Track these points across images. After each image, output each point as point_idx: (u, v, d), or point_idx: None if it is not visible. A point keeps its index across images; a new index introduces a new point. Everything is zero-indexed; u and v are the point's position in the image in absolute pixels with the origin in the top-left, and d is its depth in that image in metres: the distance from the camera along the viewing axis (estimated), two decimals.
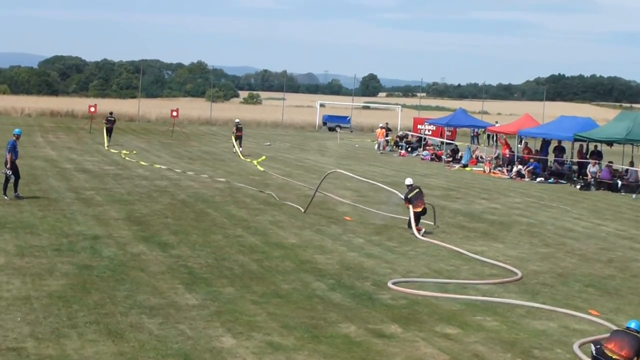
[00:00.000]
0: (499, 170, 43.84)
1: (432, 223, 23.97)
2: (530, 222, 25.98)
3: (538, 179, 40.29)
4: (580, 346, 12.79)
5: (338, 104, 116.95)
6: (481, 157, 49.30)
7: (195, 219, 22.87)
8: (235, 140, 47.42)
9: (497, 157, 46.46)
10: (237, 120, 50.27)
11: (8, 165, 24.22)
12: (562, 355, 12.61)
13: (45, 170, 32.70)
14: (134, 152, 43.82)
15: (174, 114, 61.41)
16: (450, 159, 49.55)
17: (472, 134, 66.20)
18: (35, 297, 13.94)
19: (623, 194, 36.14)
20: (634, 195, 35.01)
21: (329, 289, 15.80)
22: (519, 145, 47.01)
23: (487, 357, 12.31)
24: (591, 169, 38.91)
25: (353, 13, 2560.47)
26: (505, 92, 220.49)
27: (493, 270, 18.38)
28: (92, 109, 60.91)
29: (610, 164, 39.14)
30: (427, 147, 54.84)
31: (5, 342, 11.60)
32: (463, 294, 15.97)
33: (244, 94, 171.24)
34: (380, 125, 59.35)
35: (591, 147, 43.22)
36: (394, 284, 16.24)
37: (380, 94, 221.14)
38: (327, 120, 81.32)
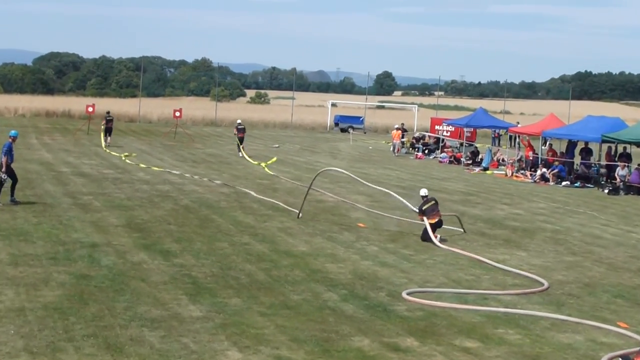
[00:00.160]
0: (521, 173, 43.77)
1: (463, 230, 24.17)
2: (555, 229, 25.92)
3: (563, 183, 40.21)
4: None
5: (351, 104, 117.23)
6: (503, 160, 49.21)
7: (200, 226, 22.90)
8: (241, 143, 47.67)
9: (519, 160, 46.38)
10: (238, 121, 50.49)
11: (3, 169, 24.32)
12: None
13: (40, 174, 32.81)
14: (134, 154, 43.93)
15: (177, 114, 61.60)
16: (470, 161, 49.50)
17: (493, 135, 66.21)
18: (30, 308, 13.97)
19: None
20: None
21: (341, 299, 15.79)
22: (543, 147, 46.90)
23: None
24: (620, 172, 38.82)
25: (364, 6, 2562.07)
26: (528, 91, 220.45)
27: (516, 280, 18.33)
28: (90, 109, 61.23)
29: None
30: (445, 149, 54.82)
31: None
32: (484, 306, 15.93)
33: (251, 92, 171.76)
34: (396, 126, 59.35)
35: (620, 148, 43.10)
36: (409, 294, 16.22)
37: (396, 93, 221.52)
38: (339, 120, 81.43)
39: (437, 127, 60.63)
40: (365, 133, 78.78)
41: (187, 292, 15.62)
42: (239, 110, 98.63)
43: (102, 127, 50.44)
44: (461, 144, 54.30)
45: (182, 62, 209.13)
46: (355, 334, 13.58)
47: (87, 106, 62.23)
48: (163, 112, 79.93)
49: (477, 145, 54.73)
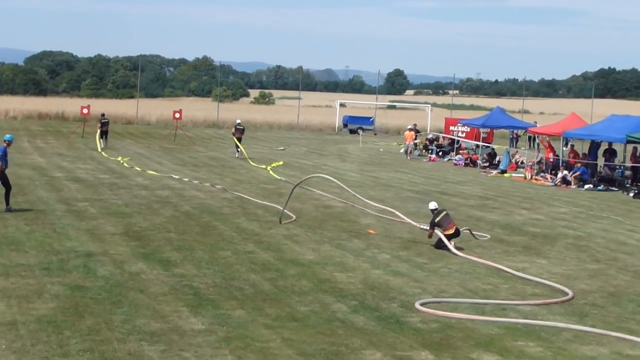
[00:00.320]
0: (541, 176, 43.73)
1: (488, 236, 24.28)
2: (577, 235, 25.88)
3: (586, 186, 40.15)
4: None
5: (360, 104, 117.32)
6: (521, 162, 49.22)
7: (201, 233, 22.92)
8: (239, 143, 47.97)
9: (539, 162, 46.37)
10: (238, 121, 50.70)
11: None
12: None
13: (32, 179, 32.88)
14: (128, 157, 43.99)
15: (177, 115, 61.63)
16: (487, 164, 49.47)
17: (511, 136, 66.15)
18: (22, 322, 13.98)
19: None
20: None
21: (351, 311, 15.78)
22: (565, 148, 46.87)
23: None
24: None
25: (374, 0, 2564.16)
26: (548, 89, 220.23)
27: (536, 290, 18.29)
28: (85, 111, 61.34)
29: None
30: (460, 151, 54.79)
31: None
32: (502, 317, 15.91)
33: (254, 92, 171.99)
34: (409, 127, 59.38)
35: None
36: (423, 305, 16.19)
37: (408, 92, 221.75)
38: (348, 121, 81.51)
39: (451, 127, 60.64)
40: (375, 134, 78.81)
41: (188, 304, 15.62)
42: (242, 111, 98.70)
43: (97, 130, 50.70)
44: (477, 146, 54.24)
45: (182, 61, 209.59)
46: (367, 347, 13.56)
47: (82, 108, 62.31)
48: (162, 114, 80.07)
49: (494, 146, 54.69)
